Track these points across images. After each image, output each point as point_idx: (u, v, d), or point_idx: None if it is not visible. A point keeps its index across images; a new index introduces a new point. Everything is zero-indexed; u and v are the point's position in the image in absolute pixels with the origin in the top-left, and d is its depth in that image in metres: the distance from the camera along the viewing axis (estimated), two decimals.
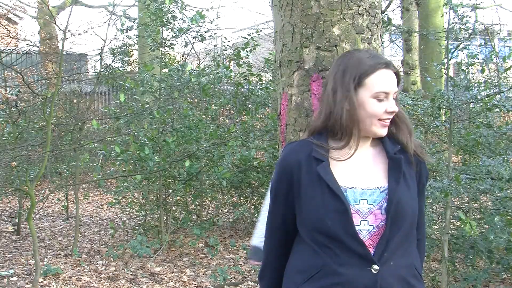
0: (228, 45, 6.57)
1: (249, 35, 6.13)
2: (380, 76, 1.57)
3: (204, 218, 6.49)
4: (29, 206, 5.15)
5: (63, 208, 7.59)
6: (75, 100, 7.86)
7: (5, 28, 11.15)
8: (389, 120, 1.60)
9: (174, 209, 6.17)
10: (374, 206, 1.54)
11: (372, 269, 1.49)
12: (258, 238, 2.09)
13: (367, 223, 1.53)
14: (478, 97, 4.02)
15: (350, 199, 1.54)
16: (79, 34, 8.21)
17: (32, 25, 39.39)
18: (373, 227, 1.53)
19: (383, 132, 1.59)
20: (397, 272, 1.52)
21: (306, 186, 1.58)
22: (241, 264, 5.33)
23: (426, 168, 1.68)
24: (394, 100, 1.60)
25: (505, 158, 3.55)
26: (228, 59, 6.60)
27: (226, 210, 7.15)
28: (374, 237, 1.53)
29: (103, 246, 6.03)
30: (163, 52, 6.12)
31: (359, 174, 1.59)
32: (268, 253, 1.75)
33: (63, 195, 7.73)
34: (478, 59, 4.28)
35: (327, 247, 1.53)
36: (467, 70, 4.22)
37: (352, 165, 1.60)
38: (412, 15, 8.56)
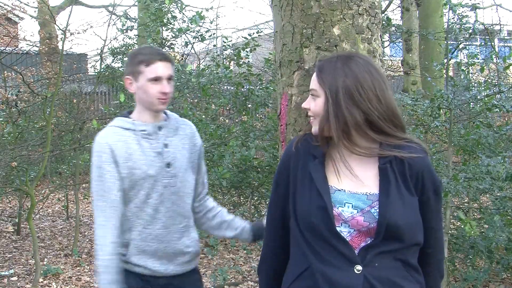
0: (228, 45, 6.56)
1: (249, 35, 6.12)
2: None
3: None
4: (29, 206, 5.15)
5: (63, 208, 7.59)
6: (75, 100, 7.86)
7: (5, 28, 11.14)
8: (310, 117, 1.64)
9: None
10: (357, 212, 1.53)
11: (355, 270, 1.48)
12: None
13: (348, 226, 1.53)
14: (478, 97, 4.02)
15: (335, 200, 1.54)
16: (78, 33, 8.21)
17: (32, 25, 39.41)
18: (354, 230, 1.53)
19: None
20: (382, 273, 1.49)
21: (300, 181, 1.60)
22: (241, 264, 5.33)
23: (432, 180, 1.59)
24: (311, 98, 1.65)
25: (504, 156, 3.55)
26: (228, 59, 6.60)
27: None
28: (356, 239, 1.52)
29: None
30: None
31: (353, 177, 1.57)
32: (266, 245, 1.75)
33: (63, 195, 7.73)
34: (478, 59, 4.28)
35: (313, 246, 1.54)
36: (467, 70, 4.22)
37: (349, 167, 1.58)
38: (412, 15, 8.55)
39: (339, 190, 1.56)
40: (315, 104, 1.59)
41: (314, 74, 1.61)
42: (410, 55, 8.47)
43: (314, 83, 1.60)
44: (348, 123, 1.52)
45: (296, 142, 1.66)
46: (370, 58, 1.84)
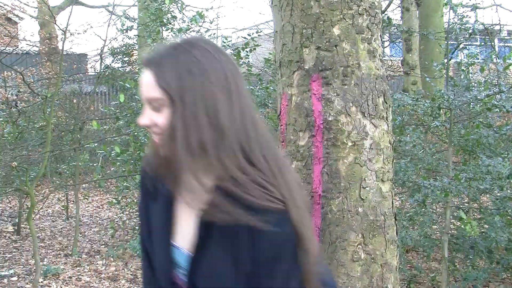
0: (228, 45, 6.57)
1: (249, 35, 6.13)
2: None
3: None
4: (29, 206, 5.15)
5: (63, 208, 7.59)
6: (75, 100, 7.86)
7: (5, 28, 11.15)
8: (156, 136, 1.15)
9: None
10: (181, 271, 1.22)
11: None
12: None
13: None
14: (478, 97, 4.02)
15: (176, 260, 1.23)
16: (78, 34, 8.21)
17: (32, 25, 39.43)
18: None
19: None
20: None
21: (154, 225, 1.31)
22: None
23: (262, 243, 1.08)
24: (151, 110, 1.13)
25: (505, 156, 3.55)
26: None
27: None
28: None
29: (103, 246, 6.03)
30: None
31: (183, 228, 1.23)
32: None
33: (63, 195, 7.73)
34: (478, 59, 4.28)
35: None
36: (467, 70, 4.22)
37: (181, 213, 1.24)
38: (412, 15, 8.56)
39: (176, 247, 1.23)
40: (163, 117, 1.11)
41: (149, 76, 1.12)
42: (410, 55, 8.48)
43: (152, 88, 1.11)
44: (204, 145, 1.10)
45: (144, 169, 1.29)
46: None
